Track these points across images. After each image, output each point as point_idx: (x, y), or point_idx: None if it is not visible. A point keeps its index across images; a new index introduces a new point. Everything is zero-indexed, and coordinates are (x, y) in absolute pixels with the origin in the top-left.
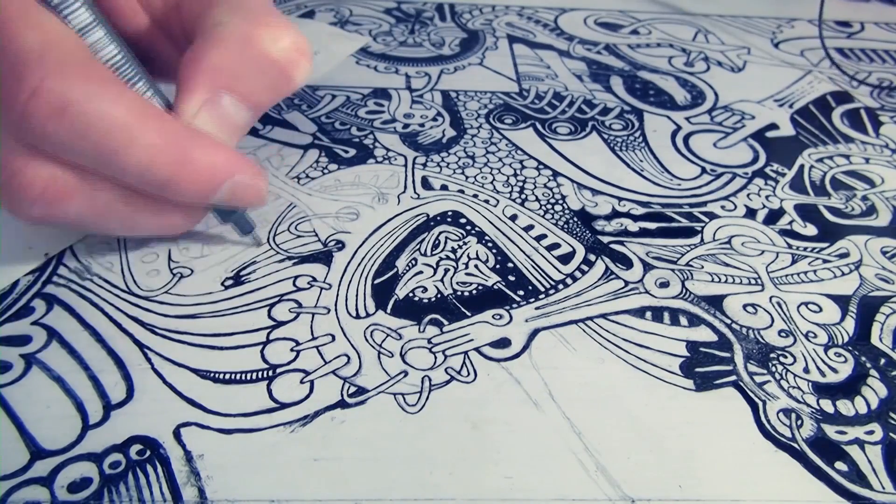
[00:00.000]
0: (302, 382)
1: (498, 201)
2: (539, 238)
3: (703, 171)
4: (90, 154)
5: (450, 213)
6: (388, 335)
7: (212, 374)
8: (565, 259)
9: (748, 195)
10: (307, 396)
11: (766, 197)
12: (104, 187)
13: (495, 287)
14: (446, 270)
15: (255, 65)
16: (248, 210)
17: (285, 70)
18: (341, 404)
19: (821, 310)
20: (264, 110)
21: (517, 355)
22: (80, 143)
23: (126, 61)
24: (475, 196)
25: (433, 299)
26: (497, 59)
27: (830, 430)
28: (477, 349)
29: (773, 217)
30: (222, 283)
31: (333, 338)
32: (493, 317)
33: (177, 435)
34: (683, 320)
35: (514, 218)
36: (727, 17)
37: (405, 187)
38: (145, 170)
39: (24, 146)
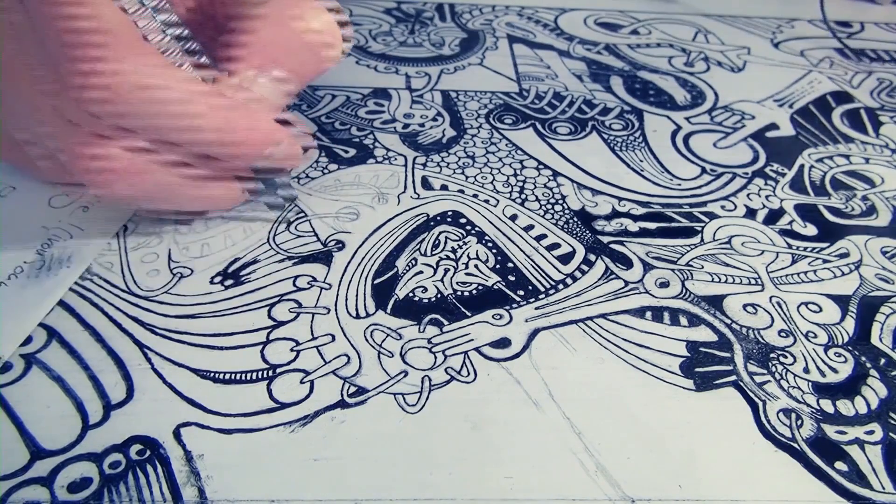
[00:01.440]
0: (302, 382)
1: (498, 201)
2: (539, 238)
3: (703, 171)
4: (156, 127)
5: (450, 213)
6: (388, 335)
7: (212, 374)
8: (565, 259)
9: (748, 195)
10: (307, 396)
11: (766, 197)
12: (162, 162)
13: (495, 287)
14: (446, 270)
15: (297, 43)
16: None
17: (317, 50)
18: (341, 404)
19: (821, 310)
20: (307, 82)
21: (517, 355)
22: (148, 118)
23: (172, 44)
24: (475, 196)
25: (433, 299)
26: (497, 59)
27: (830, 430)
28: (477, 349)
29: (773, 217)
30: (211, 281)
31: (333, 338)
32: (493, 317)
33: (177, 435)
34: (683, 320)
35: (514, 218)
36: (727, 17)
37: (405, 187)
38: (203, 137)
39: (101, 126)
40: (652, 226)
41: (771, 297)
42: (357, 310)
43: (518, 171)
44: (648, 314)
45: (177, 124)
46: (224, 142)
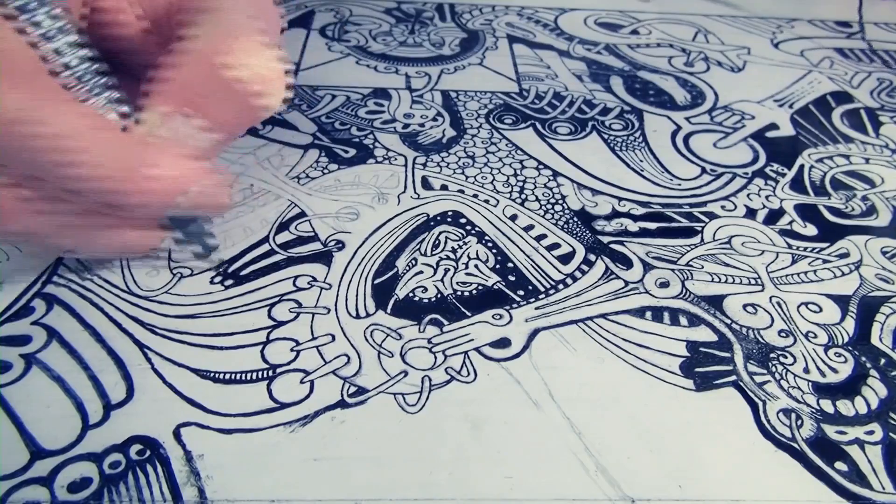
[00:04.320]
0: (302, 382)
1: (498, 201)
2: (539, 238)
3: (703, 171)
4: (40, 167)
5: (450, 213)
6: (388, 335)
7: (212, 374)
8: (565, 259)
9: (748, 195)
10: (307, 396)
11: (766, 197)
12: (60, 202)
13: (495, 287)
14: (446, 270)
15: (221, 87)
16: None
17: (250, 96)
18: (341, 404)
19: (821, 310)
20: (234, 134)
21: (517, 355)
22: (28, 157)
23: (89, 71)
24: (475, 196)
25: (433, 299)
26: (497, 59)
27: (830, 431)
28: (477, 349)
29: (773, 217)
30: (211, 281)
31: (333, 338)
32: (493, 317)
33: (177, 435)
34: (683, 320)
35: (514, 218)
36: (727, 16)
37: (405, 187)
38: (94, 182)
39: None
40: (652, 226)
41: (771, 298)
42: (357, 310)
43: (518, 171)
44: (648, 314)
45: (64, 165)
46: (123, 188)
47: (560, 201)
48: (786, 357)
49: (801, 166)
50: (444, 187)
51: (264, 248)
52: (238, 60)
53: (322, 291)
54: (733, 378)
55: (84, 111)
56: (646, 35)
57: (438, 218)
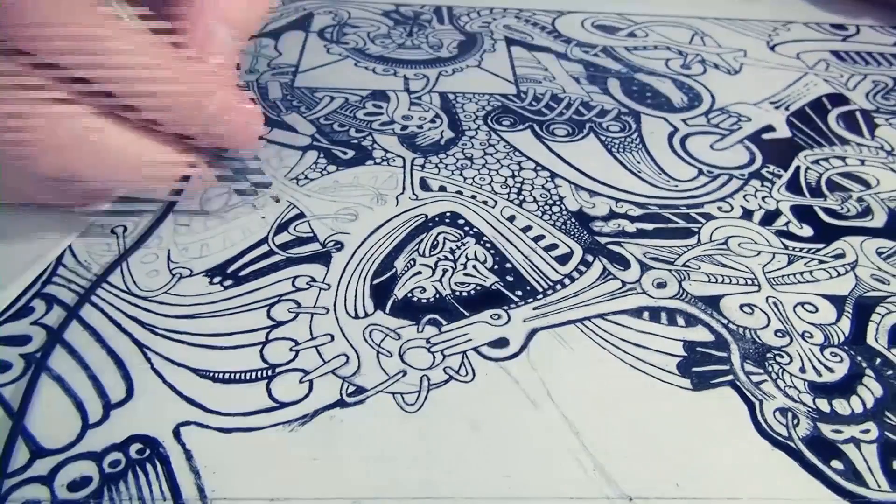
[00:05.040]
0: (301, 382)
1: (496, 202)
2: (537, 239)
3: (700, 172)
4: (110, 81)
5: (448, 214)
6: (386, 335)
7: (211, 374)
8: (563, 259)
9: (745, 196)
10: (306, 396)
11: (763, 198)
12: (96, 108)
13: (493, 287)
14: (445, 271)
15: None
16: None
17: None
18: (340, 403)
19: (817, 310)
20: (249, 34)
21: (515, 355)
22: (99, 73)
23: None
24: (473, 197)
25: (432, 299)
26: (495, 61)
27: (826, 429)
28: (475, 349)
29: (769, 218)
30: (210, 281)
31: (332, 338)
32: (491, 317)
33: (176, 434)
34: (680, 320)
35: (512, 219)
36: (723, 19)
37: (403, 188)
38: (144, 76)
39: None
40: (649, 227)
41: (767, 298)
42: (356, 310)
43: (516, 173)
44: (646, 314)
45: (123, 73)
46: (172, 84)
47: (558, 202)
48: (782, 357)
49: (798, 168)
50: (442, 188)
51: (263, 248)
52: None
53: (321, 292)
54: (730, 377)
55: (138, 32)
56: (643, 38)
57: (437, 219)
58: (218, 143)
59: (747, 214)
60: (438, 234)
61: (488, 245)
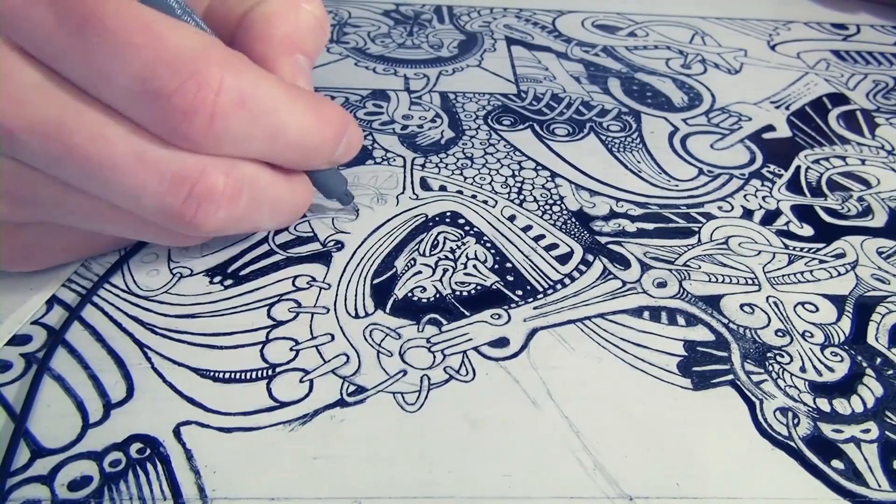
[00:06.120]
0: (301, 381)
1: (496, 202)
2: (537, 238)
3: (701, 172)
4: (260, 137)
5: (448, 214)
6: (387, 335)
7: (211, 374)
8: (563, 259)
9: (745, 196)
10: (307, 395)
11: (763, 198)
12: (259, 171)
13: (494, 287)
14: (445, 270)
15: (305, 26)
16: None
17: (323, 24)
18: (340, 403)
19: (817, 309)
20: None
21: (516, 355)
22: (256, 130)
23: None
24: (474, 197)
25: (432, 299)
26: (495, 60)
27: (827, 429)
28: (476, 348)
29: (769, 218)
30: (210, 280)
31: (333, 337)
32: (491, 316)
33: (177, 433)
34: (681, 320)
35: (512, 218)
36: (724, 19)
37: (404, 188)
38: (305, 135)
39: (191, 150)
40: (649, 226)
41: (768, 297)
42: (356, 309)
43: (516, 172)
44: (646, 314)
45: (284, 126)
46: (321, 131)
47: (558, 202)
48: (782, 356)
49: (798, 167)
50: (442, 188)
51: (263, 248)
52: (306, 4)
53: (321, 291)
54: (730, 377)
55: (276, 77)
56: (643, 37)
57: (437, 218)
58: (334, 164)
59: (748, 214)
60: (439, 233)
61: (488, 245)
